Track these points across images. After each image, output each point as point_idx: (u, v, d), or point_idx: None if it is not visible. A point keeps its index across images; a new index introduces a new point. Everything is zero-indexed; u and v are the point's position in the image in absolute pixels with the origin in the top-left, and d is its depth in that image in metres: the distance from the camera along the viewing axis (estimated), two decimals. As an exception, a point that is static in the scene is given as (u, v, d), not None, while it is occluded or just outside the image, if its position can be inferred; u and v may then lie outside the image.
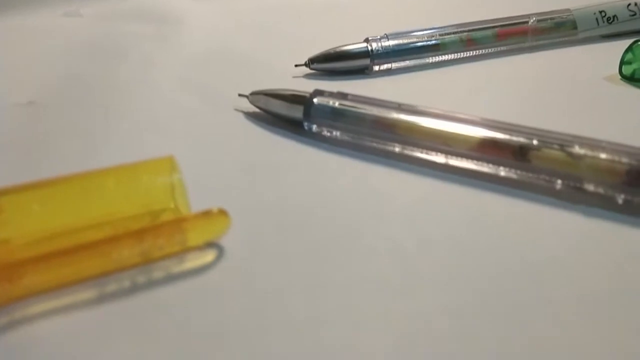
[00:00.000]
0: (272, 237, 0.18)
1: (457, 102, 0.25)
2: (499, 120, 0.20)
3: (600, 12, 0.31)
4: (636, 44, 0.26)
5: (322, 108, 0.22)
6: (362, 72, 0.28)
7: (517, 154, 0.19)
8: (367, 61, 0.28)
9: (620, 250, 0.17)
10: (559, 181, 0.19)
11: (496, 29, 0.30)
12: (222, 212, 0.16)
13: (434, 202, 0.19)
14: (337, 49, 0.28)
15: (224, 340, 0.14)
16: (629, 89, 0.27)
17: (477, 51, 0.30)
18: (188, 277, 0.16)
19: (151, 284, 0.15)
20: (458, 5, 0.37)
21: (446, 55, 0.29)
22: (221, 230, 0.16)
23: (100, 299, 0.15)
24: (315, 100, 0.22)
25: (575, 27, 0.31)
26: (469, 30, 0.29)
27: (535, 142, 0.19)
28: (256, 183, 0.20)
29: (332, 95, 0.22)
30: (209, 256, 0.16)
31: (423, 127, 0.21)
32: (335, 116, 0.22)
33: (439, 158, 0.21)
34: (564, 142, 0.19)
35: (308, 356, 0.14)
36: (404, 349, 0.14)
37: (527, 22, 0.30)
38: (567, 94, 0.26)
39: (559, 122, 0.21)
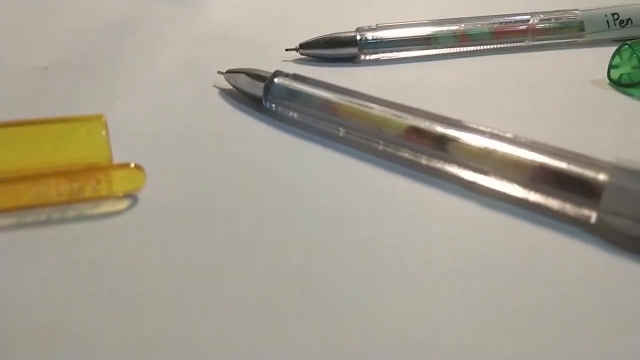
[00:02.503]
0: (190, 198, 0.19)
1: (437, 97, 0.26)
2: (428, 110, 0.21)
3: (613, 14, 0.30)
4: (624, 48, 0.25)
5: (280, 87, 0.24)
6: (352, 60, 0.30)
7: (437, 144, 0.20)
8: (355, 50, 0.29)
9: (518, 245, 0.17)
10: (473, 173, 0.19)
11: (493, 26, 0.30)
12: (138, 167, 0.18)
13: (356, 184, 0.20)
14: (326, 36, 0.29)
15: (124, 277, 0.16)
16: (612, 94, 0.26)
17: (472, 47, 0.30)
18: (98, 219, 0.18)
19: (64, 221, 0.18)
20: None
21: (439, 50, 0.30)
22: (135, 184, 0.18)
23: (17, 227, 0.18)
24: (275, 80, 0.24)
25: (582, 29, 0.30)
26: (464, 25, 0.29)
27: (454, 133, 0.20)
28: (198, 149, 0.22)
29: (291, 76, 0.24)
30: (121, 205, 0.18)
31: (360, 110, 0.22)
32: (290, 96, 0.23)
33: (376, 144, 0.22)
34: (480, 136, 0.19)
35: (201, 292, 0.16)
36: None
37: (527, 20, 0.30)
38: (549, 96, 0.26)
39: (533, 123, 0.21)
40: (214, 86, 0.27)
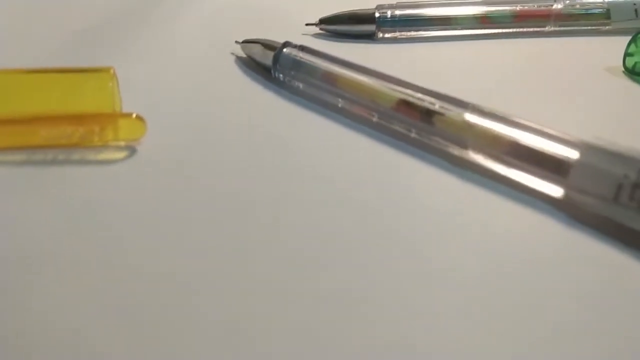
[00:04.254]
0: (187, 153, 0.21)
1: (449, 77, 0.26)
2: (420, 85, 0.21)
3: (643, 3, 0.29)
4: (639, 36, 0.25)
5: (287, 58, 0.25)
6: (370, 37, 0.30)
7: (424, 116, 0.21)
8: (373, 27, 0.30)
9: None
10: (456, 147, 0.20)
11: (515, 9, 0.29)
12: (139, 118, 0.20)
13: (346, 152, 0.21)
14: (346, 12, 0.30)
15: (117, 217, 0.18)
16: (625, 82, 0.25)
17: (493, 30, 0.30)
18: (99, 164, 0.20)
19: (68, 163, 0.20)
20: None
21: (458, 31, 0.30)
22: (136, 133, 0.20)
23: (27, 163, 0.19)
24: (284, 50, 0.25)
25: (608, 17, 0.29)
26: (485, 7, 0.29)
27: (438, 106, 0.20)
28: (203, 110, 0.23)
29: (298, 47, 0.25)
30: (121, 154, 0.20)
31: (357, 81, 0.22)
32: (296, 66, 0.24)
33: (371, 116, 0.22)
34: (463, 110, 0.20)
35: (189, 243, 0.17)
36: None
37: (551, 5, 0.29)
38: (559, 81, 0.26)
39: (538, 106, 0.22)
40: (232, 54, 0.28)
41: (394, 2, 0.30)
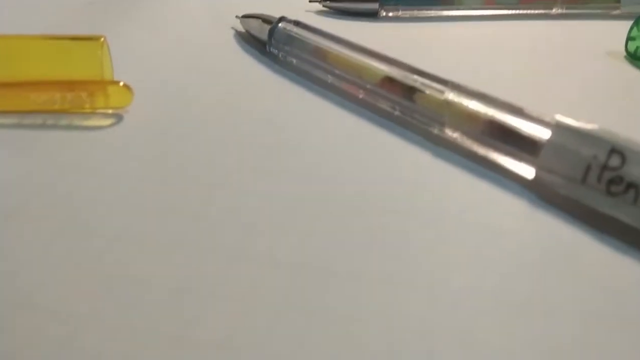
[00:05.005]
0: (174, 122, 0.21)
1: (448, 57, 0.26)
2: (403, 62, 0.21)
3: (655, -13, 0.28)
4: (642, 19, 0.24)
5: (282, 32, 0.25)
6: (373, 16, 0.30)
7: (406, 93, 0.20)
8: (376, 5, 0.30)
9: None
10: (436, 125, 0.20)
11: (521, -10, 0.29)
12: (126, 86, 0.20)
13: (331, 127, 0.21)
14: (349, -10, 0.30)
15: (102, 181, 0.18)
16: (624, 66, 0.25)
17: (497, 11, 0.29)
18: (85, 130, 0.20)
19: (56, 127, 0.20)
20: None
21: (462, 11, 0.29)
22: (123, 101, 0.21)
23: (17, 126, 0.20)
24: (279, 24, 0.25)
25: (618, 0, 0.28)
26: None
27: (420, 84, 0.20)
28: (194, 80, 0.24)
29: (293, 22, 0.25)
30: (108, 120, 0.21)
31: (345, 57, 0.22)
32: (290, 41, 0.24)
33: (357, 91, 0.22)
34: (443, 87, 0.19)
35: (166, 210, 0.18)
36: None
37: (559, -13, 0.29)
38: (559, 65, 0.25)
39: (533, 89, 0.22)
40: (232, 28, 0.28)
41: (399, -20, 0.30)
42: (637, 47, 0.24)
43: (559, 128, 0.17)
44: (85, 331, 0.13)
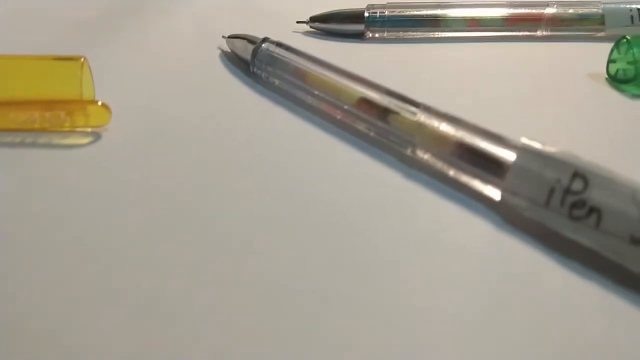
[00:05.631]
0: (152, 142, 0.21)
1: (433, 79, 0.26)
2: (379, 84, 0.21)
3: (640, 9, 0.28)
4: (622, 42, 0.24)
5: (265, 53, 0.25)
6: (360, 37, 0.30)
7: (381, 115, 0.21)
8: (362, 27, 0.30)
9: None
10: (409, 146, 0.20)
11: (506, 12, 0.29)
12: (105, 106, 0.21)
13: (306, 147, 0.21)
14: (335, 11, 0.30)
15: (78, 198, 0.18)
16: (603, 88, 0.25)
17: (482, 33, 0.29)
18: (63, 148, 0.21)
19: (34, 146, 0.21)
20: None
21: (447, 33, 0.30)
22: (101, 120, 0.21)
23: (-4, 144, 0.21)
24: (263, 45, 0.25)
25: (602, 23, 0.28)
26: (475, 9, 0.29)
27: (394, 105, 0.20)
28: (175, 101, 0.24)
29: (276, 43, 0.25)
30: (86, 139, 0.21)
31: (323, 78, 0.23)
32: (272, 62, 0.25)
33: (336, 112, 0.23)
34: (414, 109, 0.20)
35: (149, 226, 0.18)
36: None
37: (543, 9, 0.29)
38: (537, 87, 0.25)
39: (510, 111, 0.23)
40: (218, 48, 0.29)
41: (385, 3, 0.30)
42: (618, 70, 0.24)
43: (524, 151, 0.17)
44: (51, 348, 0.14)
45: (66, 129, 0.21)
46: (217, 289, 0.15)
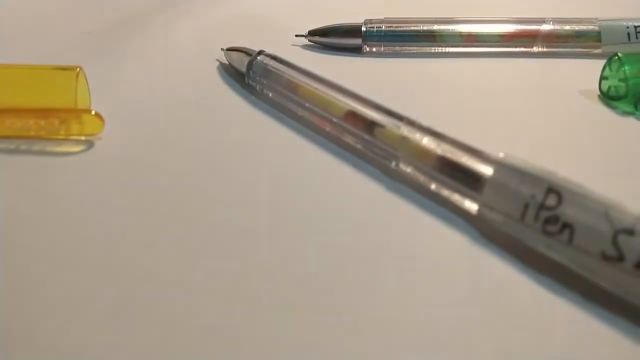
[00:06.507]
0: (143, 150, 0.22)
1: (431, 94, 0.27)
2: (366, 97, 0.22)
3: (636, 26, 0.28)
4: (614, 59, 0.24)
5: (259, 65, 0.26)
6: (357, 51, 0.31)
7: (367, 128, 0.21)
8: (359, 41, 0.30)
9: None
10: (393, 159, 0.20)
11: (502, 28, 0.29)
12: (98, 115, 0.21)
13: (295, 159, 0.22)
14: (333, 25, 0.30)
15: (69, 204, 0.19)
16: (594, 105, 0.25)
17: (478, 49, 0.30)
18: (56, 156, 0.21)
19: (28, 152, 0.21)
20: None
21: (445, 48, 0.30)
22: (94, 129, 0.21)
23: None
24: (258, 58, 0.26)
25: (599, 40, 0.29)
26: (471, 25, 0.29)
27: (380, 118, 0.20)
28: (170, 110, 0.25)
29: (271, 56, 0.26)
30: (78, 147, 0.22)
31: (314, 91, 0.23)
32: (266, 74, 0.25)
33: (325, 124, 0.23)
34: (398, 123, 0.20)
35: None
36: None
37: (539, 25, 0.29)
38: (528, 103, 0.25)
39: (504, 128, 0.23)
40: (217, 60, 0.29)
41: (382, 18, 0.30)
42: (610, 87, 0.24)
43: (501, 166, 0.17)
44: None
45: (61, 137, 0.22)
46: (205, 297, 0.16)
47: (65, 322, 0.15)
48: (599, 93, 0.25)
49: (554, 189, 0.16)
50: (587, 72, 0.27)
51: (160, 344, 0.14)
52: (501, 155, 0.17)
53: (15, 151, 0.21)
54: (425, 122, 0.20)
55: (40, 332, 0.14)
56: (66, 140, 0.22)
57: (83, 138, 0.22)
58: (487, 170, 0.17)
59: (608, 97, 0.25)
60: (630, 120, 0.24)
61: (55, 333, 0.15)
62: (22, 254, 0.17)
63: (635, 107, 0.23)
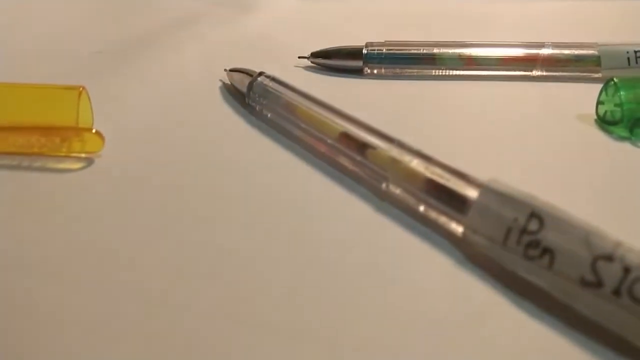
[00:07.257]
0: (143, 168, 0.22)
1: (430, 116, 0.27)
2: (359, 119, 0.22)
3: (636, 51, 0.28)
4: (610, 84, 0.24)
5: (260, 86, 0.26)
6: (358, 73, 0.31)
7: (360, 149, 0.21)
8: (360, 63, 0.31)
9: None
10: (383, 181, 0.20)
11: (501, 53, 0.29)
12: (98, 134, 0.22)
13: (290, 179, 0.22)
14: (335, 48, 0.31)
15: (69, 220, 0.19)
16: (590, 130, 0.25)
17: (478, 72, 0.30)
18: (57, 172, 0.22)
19: (30, 169, 0.22)
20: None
21: (445, 71, 0.30)
22: (94, 147, 0.22)
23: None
24: (259, 79, 0.26)
25: (598, 64, 0.29)
26: (471, 49, 0.30)
27: (372, 140, 0.21)
28: (171, 129, 0.25)
29: (271, 77, 0.26)
30: (79, 164, 0.22)
31: (310, 113, 0.23)
32: (266, 95, 0.26)
33: (320, 145, 0.23)
34: (389, 145, 0.20)
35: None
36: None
37: (539, 49, 0.29)
38: (525, 126, 0.26)
39: (501, 151, 0.23)
40: (220, 80, 0.30)
41: (383, 41, 0.31)
42: (606, 111, 0.24)
43: (486, 190, 0.17)
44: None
45: (62, 154, 0.22)
46: (200, 315, 0.16)
47: (59, 334, 0.15)
48: (595, 117, 0.25)
49: (536, 214, 0.16)
50: (586, 96, 0.27)
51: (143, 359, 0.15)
52: (487, 179, 0.17)
53: (17, 167, 0.22)
54: (422, 144, 0.20)
55: (33, 346, 0.15)
56: (67, 157, 0.22)
57: (83, 155, 0.23)
58: (472, 193, 0.17)
59: (604, 122, 0.25)
60: (626, 145, 0.24)
61: (48, 346, 0.15)
62: (22, 269, 0.17)
63: (631, 132, 0.23)
